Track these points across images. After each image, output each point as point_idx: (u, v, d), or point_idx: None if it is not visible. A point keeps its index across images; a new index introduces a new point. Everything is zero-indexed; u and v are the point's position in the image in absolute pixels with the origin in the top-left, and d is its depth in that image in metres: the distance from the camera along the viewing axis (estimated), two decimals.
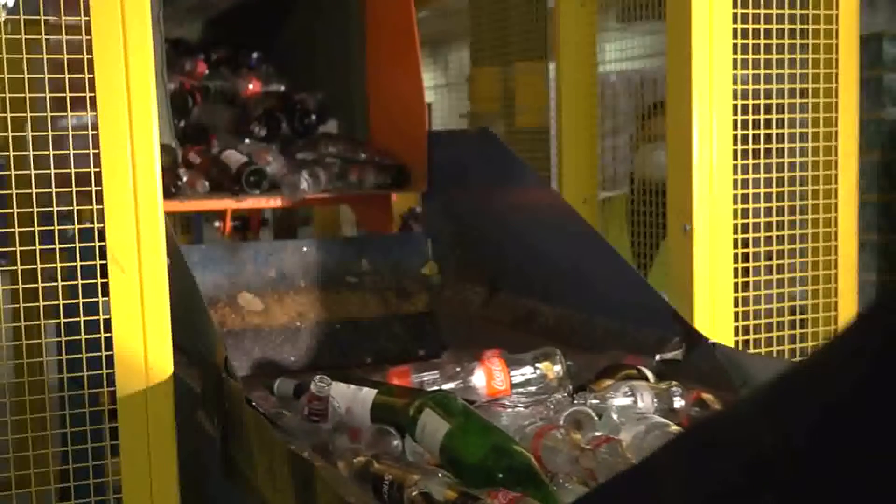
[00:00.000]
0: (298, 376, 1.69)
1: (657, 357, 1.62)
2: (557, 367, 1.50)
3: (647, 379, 1.50)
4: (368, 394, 1.38)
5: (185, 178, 2.30)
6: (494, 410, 1.34)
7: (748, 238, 1.96)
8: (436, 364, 1.56)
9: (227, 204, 2.39)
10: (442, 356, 1.62)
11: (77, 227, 1.58)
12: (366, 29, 2.73)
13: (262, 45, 3.02)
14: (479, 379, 1.47)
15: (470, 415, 1.22)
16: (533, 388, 1.48)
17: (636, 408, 1.37)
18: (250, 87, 2.79)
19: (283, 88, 2.84)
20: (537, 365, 1.50)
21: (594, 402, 1.37)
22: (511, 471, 1.11)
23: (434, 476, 1.12)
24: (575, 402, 1.38)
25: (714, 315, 1.90)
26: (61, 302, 1.55)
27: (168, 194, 2.13)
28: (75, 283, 1.56)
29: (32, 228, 1.54)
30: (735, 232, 1.92)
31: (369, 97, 2.76)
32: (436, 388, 1.43)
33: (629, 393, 1.40)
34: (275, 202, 2.46)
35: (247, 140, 2.55)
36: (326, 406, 1.40)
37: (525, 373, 1.49)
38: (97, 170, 1.53)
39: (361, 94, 2.78)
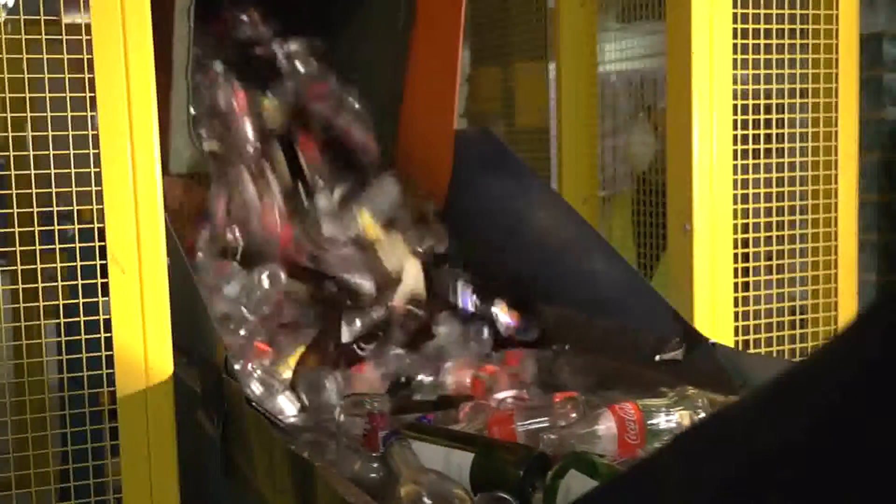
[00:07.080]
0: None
1: (657, 357, 1.62)
2: (702, 415, 1.27)
3: None
4: (464, 458, 1.17)
5: None
6: None
7: (748, 238, 1.96)
8: (546, 408, 1.36)
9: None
10: (527, 391, 1.50)
11: (77, 227, 1.58)
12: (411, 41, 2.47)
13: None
14: (607, 428, 1.24)
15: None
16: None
17: None
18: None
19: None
20: (672, 412, 1.27)
21: None
22: None
23: None
24: None
25: (714, 315, 1.90)
26: (61, 302, 1.55)
27: None
28: (75, 283, 1.56)
29: (32, 228, 1.55)
30: (735, 232, 1.92)
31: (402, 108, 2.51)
32: (552, 436, 1.24)
33: None
34: None
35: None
36: (376, 429, 1.30)
37: (660, 422, 1.26)
38: (97, 170, 1.53)
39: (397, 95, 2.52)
